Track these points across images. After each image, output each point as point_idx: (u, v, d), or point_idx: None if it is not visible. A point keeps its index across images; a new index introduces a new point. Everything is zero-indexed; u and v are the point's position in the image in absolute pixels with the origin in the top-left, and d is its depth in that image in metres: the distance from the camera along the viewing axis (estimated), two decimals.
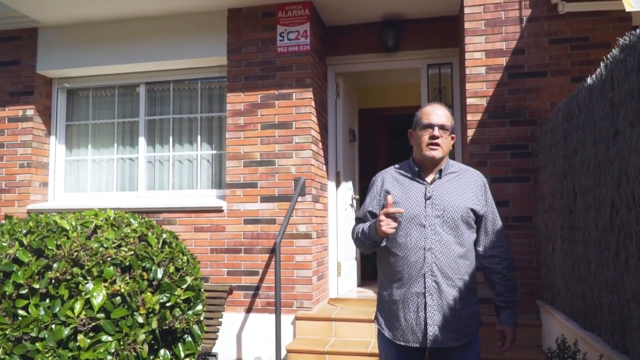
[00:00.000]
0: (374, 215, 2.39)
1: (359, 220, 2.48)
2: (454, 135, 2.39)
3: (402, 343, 2.25)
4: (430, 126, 2.28)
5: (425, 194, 2.28)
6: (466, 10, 4.58)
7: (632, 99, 2.39)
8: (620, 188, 2.56)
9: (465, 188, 2.31)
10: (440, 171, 2.33)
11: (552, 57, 4.41)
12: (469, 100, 4.53)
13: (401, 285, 2.25)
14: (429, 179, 2.33)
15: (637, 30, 2.36)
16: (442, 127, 2.28)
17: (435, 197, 2.26)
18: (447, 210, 2.23)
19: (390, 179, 2.40)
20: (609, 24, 4.34)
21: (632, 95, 2.38)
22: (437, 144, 2.27)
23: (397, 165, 2.47)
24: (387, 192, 2.33)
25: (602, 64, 2.82)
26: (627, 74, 2.45)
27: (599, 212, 2.87)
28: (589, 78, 3.07)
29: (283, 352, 4.42)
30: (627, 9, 2.95)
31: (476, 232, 2.36)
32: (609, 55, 2.73)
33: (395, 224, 2.15)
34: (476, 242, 2.37)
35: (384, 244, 2.28)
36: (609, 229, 2.72)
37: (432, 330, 2.18)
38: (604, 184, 2.79)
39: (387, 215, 2.14)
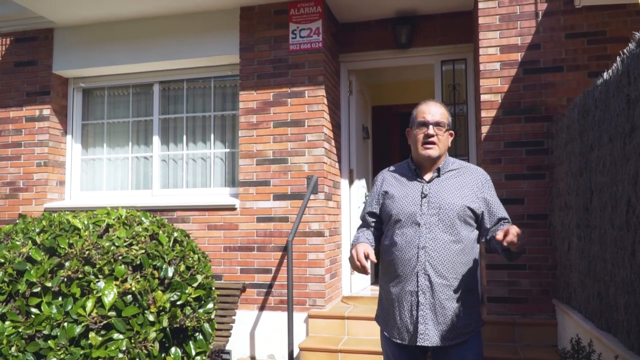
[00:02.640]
0: (373, 215, 2.42)
1: (361, 221, 2.50)
2: (452, 132, 2.38)
3: (398, 341, 2.24)
4: (425, 124, 2.27)
5: (422, 193, 2.27)
6: (480, 5, 4.52)
7: None
8: (636, 186, 2.50)
9: (463, 186, 2.28)
10: (439, 169, 2.32)
11: (568, 52, 4.33)
12: (483, 97, 4.47)
13: (397, 283, 2.25)
14: (427, 177, 2.33)
15: None
16: (437, 125, 2.27)
17: (432, 195, 2.25)
18: (443, 208, 2.22)
19: (390, 178, 2.41)
20: (627, 17, 4.24)
21: None
22: (433, 142, 2.26)
23: (397, 165, 2.48)
24: (386, 192, 2.36)
25: (618, 59, 2.76)
26: None
27: (615, 211, 2.81)
28: (605, 73, 3.01)
29: (296, 350, 4.42)
30: None
31: (479, 227, 2.32)
32: (625, 50, 2.67)
33: (360, 268, 2.17)
34: (481, 233, 2.32)
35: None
36: (625, 228, 2.67)
37: (423, 328, 2.16)
38: (620, 181, 2.73)
39: (359, 260, 2.16)
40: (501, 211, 2.32)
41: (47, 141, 5.59)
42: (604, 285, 3.03)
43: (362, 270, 2.17)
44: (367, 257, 2.16)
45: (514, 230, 1.99)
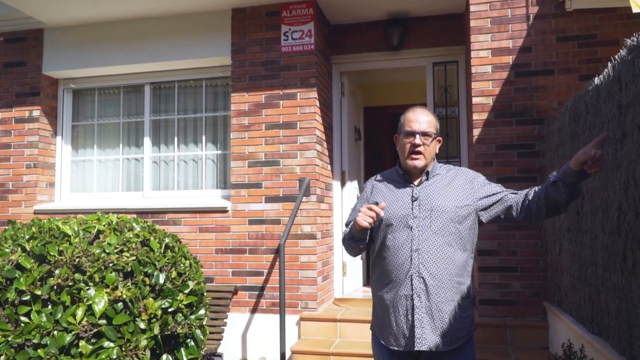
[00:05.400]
0: None
1: (347, 226, 2.44)
2: (440, 139, 2.37)
3: (395, 348, 2.22)
4: (412, 134, 2.26)
5: (412, 196, 2.26)
6: (472, 8, 4.52)
7: (639, 102, 2.34)
8: (627, 192, 2.51)
9: (453, 187, 2.28)
10: (427, 173, 2.32)
11: (559, 55, 4.35)
12: (475, 100, 4.48)
13: (390, 288, 2.23)
14: (416, 181, 2.32)
15: None
16: (424, 135, 2.26)
17: (422, 198, 2.25)
18: (435, 210, 2.21)
19: (379, 184, 2.41)
20: (617, 20, 4.27)
21: None
22: (419, 152, 2.25)
23: (386, 172, 2.48)
24: (376, 203, 2.29)
25: (609, 65, 2.77)
26: (635, 75, 2.40)
27: (606, 216, 2.82)
28: (596, 78, 3.02)
29: (288, 353, 4.41)
30: (635, 9, 2.88)
31: (502, 210, 2.26)
32: (616, 56, 2.68)
33: (370, 219, 2.10)
34: (509, 211, 2.24)
35: (363, 245, 2.27)
36: (616, 233, 2.68)
37: (420, 332, 2.14)
38: (611, 187, 2.75)
39: (369, 209, 2.11)
40: (500, 187, 2.30)
41: (37, 142, 5.53)
42: (595, 290, 3.05)
43: (373, 216, 2.10)
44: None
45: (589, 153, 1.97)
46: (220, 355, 4.71)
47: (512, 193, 2.28)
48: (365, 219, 2.11)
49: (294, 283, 4.76)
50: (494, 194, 2.29)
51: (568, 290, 3.61)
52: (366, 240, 2.29)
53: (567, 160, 3.50)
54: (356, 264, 5.80)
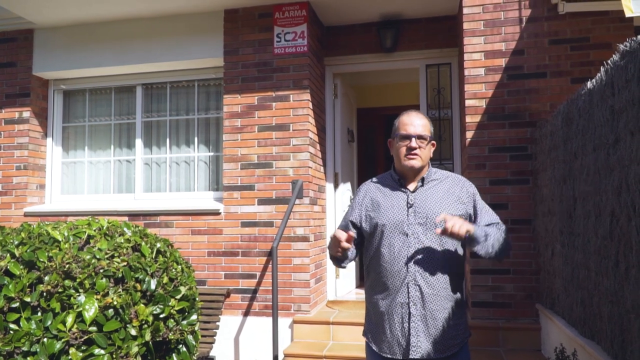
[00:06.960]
0: (354, 225, 2.36)
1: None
2: (434, 142, 2.36)
3: (388, 356, 2.21)
4: (408, 137, 2.25)
5: (407, 202, 2.25)
6: (465, 10, 4.52)
7: (632, 107, 2.35)
8: (620, 197, 2.52)
9: (449, 194, 2.26)
10: (423, 179, 2.30)
11: (551, 58, 4.36)
12: (468, 102, 4.47)
13: (386, 296, 2.22)
14: (411, 187, 2.30)
15: (639, 36, 2.31)
16: (419, 137, 2.25)
17: (418, 204, 2.23)
18: (430, 217, 2.19)
19: (373, 189, 2.38)
20: (610, 24, 4.28)
21: (633, 103, 2.33)
22: (415, 154, 2.24)
23: (380, 176, 2.46)
24: (369, 203, 2.32)
25: (602, 69, 2.77)
26: (628, 81, 2.40)
27: (599, 220, 2.83)
28: (589, 82, 3.02)
29: (280, 356, 4.39)
30: (627, 14, 2.89)
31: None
32: (609, 61, 2.68)
33: (339, 247, 2.13)
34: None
35: (345, 265, 2.32)
36: (608, 238, 2.68)
37: (415, 340, 2.13)
38: (603, 191, 2.75)
39: (339, 239, 2.11)
40: (488, 217, 2.28)
41: (27, 144, 5.48)
42: (587, 294, 3.05)
43: (340, 244, 2.12)
44: (347, 241, 2.12)
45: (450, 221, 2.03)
46: (212, 359, 4.69)
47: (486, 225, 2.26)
48: (336, 247, 2.14)
49: (287, 286, 4.74)
50: (479, 218, 2.27)
51: (560, 293, 3.62)
52: (347, 258, 2.29)
53: (560, 164, 3.54)
54: (349, 265, 5.78)
